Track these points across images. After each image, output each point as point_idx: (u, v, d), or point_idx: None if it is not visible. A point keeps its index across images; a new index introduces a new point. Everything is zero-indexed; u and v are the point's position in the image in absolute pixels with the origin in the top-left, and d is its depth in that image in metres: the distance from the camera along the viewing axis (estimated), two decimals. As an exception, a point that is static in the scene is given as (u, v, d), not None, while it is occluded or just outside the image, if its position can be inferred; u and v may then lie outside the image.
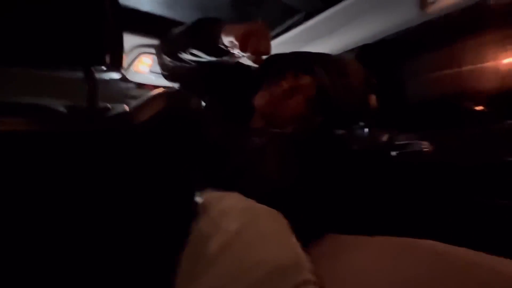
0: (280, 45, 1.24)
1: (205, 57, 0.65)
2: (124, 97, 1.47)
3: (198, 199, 0.60)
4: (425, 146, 0.98)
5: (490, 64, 0.94)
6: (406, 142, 1.03)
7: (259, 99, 0.71)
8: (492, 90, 0.95)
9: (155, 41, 1.21)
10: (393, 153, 1.04)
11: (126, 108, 0.41)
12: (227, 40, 0.58)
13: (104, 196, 0.38)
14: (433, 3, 0.83)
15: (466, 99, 1.01)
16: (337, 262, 0.52)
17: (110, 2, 0.42)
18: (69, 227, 0.37)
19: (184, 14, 1.15)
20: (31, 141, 0.32)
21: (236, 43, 0.56)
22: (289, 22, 1.15)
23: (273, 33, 1.24)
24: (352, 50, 1.13)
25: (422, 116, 1.12)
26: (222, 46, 0.60)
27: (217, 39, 0.60)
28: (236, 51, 0.59)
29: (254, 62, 0.59)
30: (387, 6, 0.88)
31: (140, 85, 1.48)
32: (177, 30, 0.69)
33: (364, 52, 1.10)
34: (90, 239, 0.39)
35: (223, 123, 0.72)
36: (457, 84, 1.02)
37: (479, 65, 0.96)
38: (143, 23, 1.12)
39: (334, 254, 0.56)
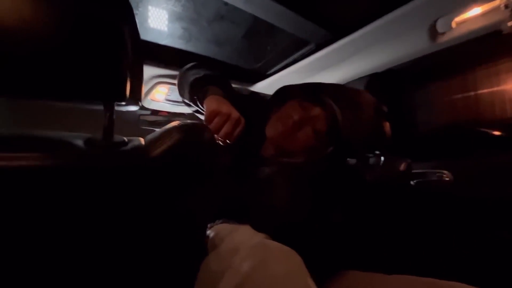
0: (290, 74, 1.27)
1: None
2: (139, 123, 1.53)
3: (208, 232, 0.58)
4: (445, 175, 0.94)
5: (504, 90, 0.92)
6: (424, 171, 0.99)
7: (270, 129, 0.71)
8: (508, 117, 0.92)
9: (171, 72, 1.28)
10: (412, 183, 1.00)
11: (142, 141, 0.42)
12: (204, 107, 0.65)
13: (115, 232, 0.38)
14: (443, 34, 0.84)
15: (481, 126, 0.98)
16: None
17: (131, 38, 0.45)
18: (80, 263, 0.36)
19: (198, 47, 1.21)
20: (46, 176, 0.33)
21: (203, 114, 0.62)
22: (299, 52, 1.19)
23: (284, 63, 1.29)
24: (361, 78, 1.15)
25: (436, 144, 1.08)
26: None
27: (202, 104, 0.67)
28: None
29: (216, 139, 0.61)
30: (397, 37, 0.90)
31: (156, 112, 1.55)
32: (187, 76, 0.76)
33: (373, 81, 1.11)
34: (99, 276, 0.38)
35: (234, 151, 0.72)
36: (472, 111, 1.00)
37: (493, 92, 0.94)
38: (161, 55, 1.18)
39: None
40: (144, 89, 1.33)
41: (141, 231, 0.39)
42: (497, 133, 0.95)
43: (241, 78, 1.43)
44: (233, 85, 1.42)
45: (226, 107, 0.61)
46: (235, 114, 0.62)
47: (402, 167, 0.87)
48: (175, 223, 0.44)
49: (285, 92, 0.75)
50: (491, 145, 0.95)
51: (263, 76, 1.42)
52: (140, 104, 0.49)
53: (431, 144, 1.11)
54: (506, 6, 0.68)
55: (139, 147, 0.40)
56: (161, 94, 1.38)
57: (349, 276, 0.61)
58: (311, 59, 1.11)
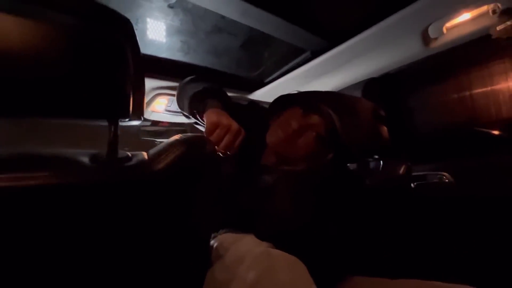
0: (288, 82, 1.29)
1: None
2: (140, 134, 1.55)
3: (212, 242, 0.58)
4: (446, 177, 0.95)
5: (498, 91, 0.94)
6: (424, 173, 1.00)
7: (270, 137, 0.72)
8: (503, 117, 0.93)
9: (170, 83, 1.30)
10: (412, 185, 1.00)
11: (145, 155, 0.43)
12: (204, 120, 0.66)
13: (121, 246, 0.38)
14: (436, 39, 0.86)
15: (478, 126, 0.99)
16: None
17: (133, 55, 0.46)
18: (88, 277, 0.37)
19: (197, 58, 1.24)
20: (54, 194, 0.34)
21: (204, 126, 0.64)
22: (296, 60, 1.21)
23: (281, 71, 1.31)
24: (358, 84, 1.17)
25: (435, 146, 1.09)
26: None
27: (202, 117, 0.69)
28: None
29: (217, 150, 0.62)
30: (391, 43, 0.92)
31: (156, 123, 1.56)
32: (186, 90, 0.77)
33: (370, 86, 1.13)
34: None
35: (235, 162, 0.73)
36: (468, 112, 1.01)
37: (488, 93, 0.96)
38: (161, 67, 1.21)
39: None
40: (145, 101, 1.35)
41: (147, 243, 0.40)
42: (494, 133, 0.96)
43: (240, 86, 1.45)
44: (232, 94, 1.44)
45: (226, 119, 0.63)
46: (235, 125, 0.63)
47: (402, 170, 0.87)
48: (179, 234, 0.44)
49: (284, 100, 0.77)
50: (488, 145, 0.96)
51: (261, 84, 1.45)
52: (142, 118, 0.50)
53: (430, 146, 1.12)
54: (494, 12, 0.71)
55: (143, 162, 0.41)
56: (161, 105, 1.39)
57: (354, 282, 0.61)
58: (307, 66, 1.14)
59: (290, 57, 1.23)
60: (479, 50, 0.93)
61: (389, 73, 1.09)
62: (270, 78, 1.40)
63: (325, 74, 1.17)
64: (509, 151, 0.87)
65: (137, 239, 0.39)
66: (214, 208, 0.54)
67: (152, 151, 0.45)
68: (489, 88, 0.95)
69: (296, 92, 0.78)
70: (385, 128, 0.79)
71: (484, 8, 0.74)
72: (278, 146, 0.70)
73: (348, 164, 0.91)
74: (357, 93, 1.17)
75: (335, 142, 0.67)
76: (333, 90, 1.26)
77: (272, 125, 0.74)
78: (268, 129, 0.74)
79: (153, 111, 1.42)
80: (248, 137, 0.69)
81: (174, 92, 0.95)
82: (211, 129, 0.61)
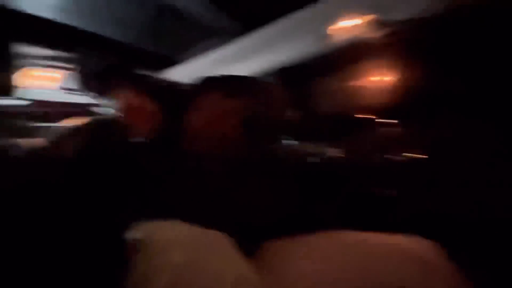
0: (201, 63, 1.27)
1: None
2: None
3: (135, 233, 0.55)
4: (338, 152, 1.19)
5: (374, 83, 1.23)
6: (323, 150, 1.22)
7: (191, 121, 0.71)
8: (378, 103, 1.24)
9: (61, 53, 1.05)
10: (317, 160, 1.21)
11: (41, 143, 0.36)
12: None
13: (30, 246, 0.32)
14: (330, 36, 1.04)
15: (359, 111, 1.29)
16: (283, 268, 0.51)
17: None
18: None
19: (95, 25, 1.03)
20: None
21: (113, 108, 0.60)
22: (210, 42, 1.19)
23: (195, 50, 1.27)
24: (271, 72, 1.28)
25: (328, 127, 1.35)
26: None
27: (111, 98, 0.62)
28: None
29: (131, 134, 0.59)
30: (297, 36, 1.06)
31: (45, 104, 1.24)
32: (91, 66, 0.66)
33: (282, 74, 1.26)
34: None
35: (152, 147, 0.68)
36: (351, 100, 1.30)
37: (367, 84, 1.25)
38: (47, 32, 0.95)
39: (280, 260, 0.58)
40: (29, 75, 1.05)
41: (47, 239, 0.34)
42: (370, 117, 1.26)
43: (148, 63, 1.31)
44: (143, 72, 1.29)
45: (140, 101, 0.58)
46: (150, 107, 0.59)
47: (311, 149, 1.04)
48: (87, 227, 0.40)
49: (205, 83, 0.76)
50: (366, 127, 1.25)
51: (172, 62, 1.35)
52: (13, 95, 0.40)
53: (326, 128, 1.36)
54: (373, 21, 0.92)
55: (37, 150, 0.34)
56: (53, 81, 1.11)
57: (275, 246, 0.68)
58: (222, 49, 1.16)
59: (204, 37, 1.20)
60: (360, 50, 1.18)
61: (298, 63, 1.24)
62: (184, 57, 1.32)
63: (239, 60, 1.21)
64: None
65: (34, 235, 0.33)
66: (130, 197, 0.50)
67: (51, 136, 0.37)
68: (367, 81, 1.23)
69: (217, 75, 0.78)
70: (295, 112, 0.91)
71: (366, 17, 0.95)
72: (199, 130, 0.70)
73: (265, 145, 1.00)
74: (270, 80, 1.28)
75: (255, 125, 0.73)
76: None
77: (193, 109, 0.73)
78: (188, 113, 0.73)
79: (42, 89, 1.12)
80: (165, 121, 0.65)
81: (68, 65, 0.79)
82: (124, 111, 0.55)
